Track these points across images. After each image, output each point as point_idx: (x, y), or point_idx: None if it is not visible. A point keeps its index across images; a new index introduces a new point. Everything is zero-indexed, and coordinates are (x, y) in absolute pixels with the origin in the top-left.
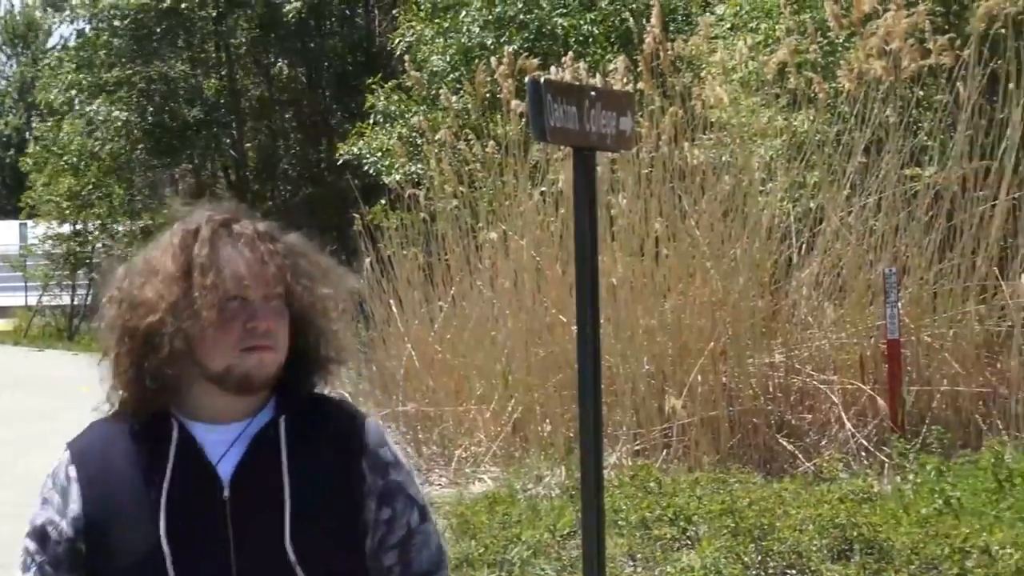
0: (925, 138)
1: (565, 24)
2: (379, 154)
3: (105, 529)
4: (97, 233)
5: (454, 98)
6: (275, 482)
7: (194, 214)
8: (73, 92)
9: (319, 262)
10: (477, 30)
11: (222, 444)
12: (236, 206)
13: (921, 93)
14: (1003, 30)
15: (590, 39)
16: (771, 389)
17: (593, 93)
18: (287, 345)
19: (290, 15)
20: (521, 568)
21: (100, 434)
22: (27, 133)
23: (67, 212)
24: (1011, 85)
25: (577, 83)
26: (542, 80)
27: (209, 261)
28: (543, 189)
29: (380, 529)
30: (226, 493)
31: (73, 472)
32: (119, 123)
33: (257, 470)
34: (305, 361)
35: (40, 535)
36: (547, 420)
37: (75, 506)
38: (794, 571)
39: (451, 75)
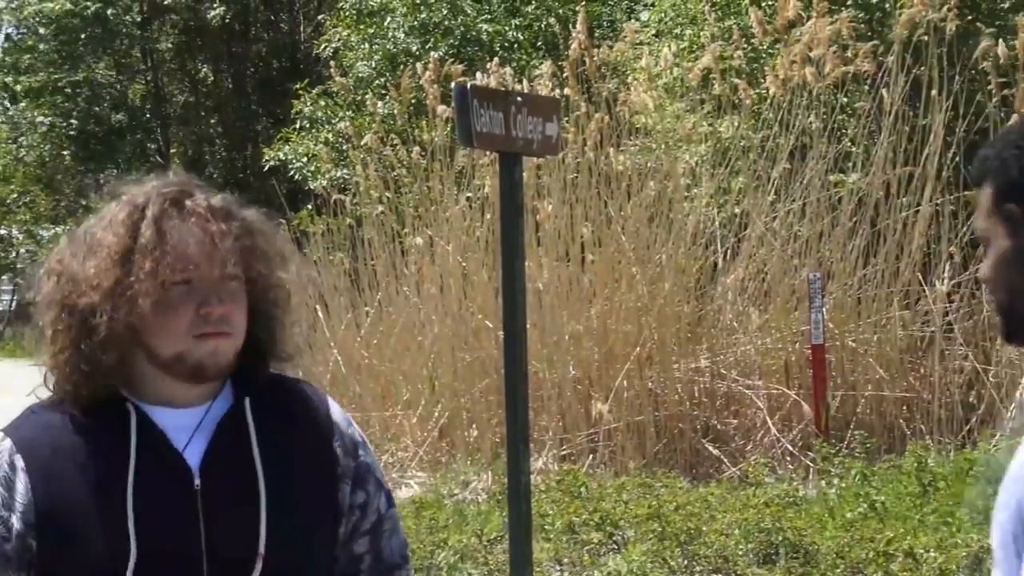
0: (849, 144)
1: (490, 30)
2: (305, 159)
3: (61, 524)
4: (22, 238)
5: (379, 104)
6: (247, 469)
7: (144, 185)
8: None
9: (278, 245)
10: (402, 36)
11: (185, 430)
12: (189, 178)
13: (845, 100)
14: (925, 37)
15: (515, 45)
16: (697, 394)
17: (519, 99)
18: (244, 326)
19: (214, 21)
20: (448, 573)
21: (44, 421)
22: None
23: None
24: (933, 92)
25: (503, 89)
26: (469, 85)
27: (154, 243)
28: (469, 195)
29: (354, 515)
30: (198, 482)
31: (20, 462)
32: (44, 128)
33: (227, 457)
34: (260, 349)
35: None
36: (473, 425)
37: (23, 499)
38: (720, 575)
39: (377, 81)
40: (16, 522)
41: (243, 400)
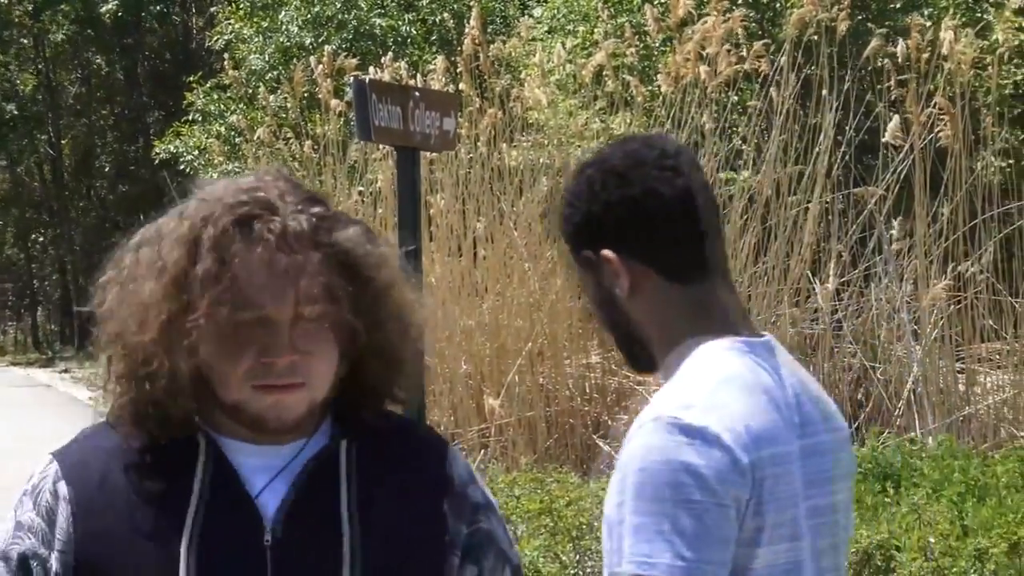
0: (740, 143)
1: (384, 24)
2: (196, 152)
3: (103, 568)
4: None
5: (272, 97)
6: (332, 527)
7: (220, 188)
8: None
9: (387, 272)
10: (296, 29)
11: (264, 471)
12: (280, 181)
13: (736, 98)
14: (815, 37)
15: (409, 40)
16: (588, 390)
17: (417, 94)
18: (330, 375)
19: (107, 16)
20: None
21: (97, 447)
22: None
23: None
24: (824, 91)
25: (402, 84)
26: (367, 80)
27: (212, 273)
28: (361, 188)
29: None
30: (268, 537)
31: (64, 490)
32: None
33: (310, 510)
34: (364, 388)
35: (21, 568)
36: None
37: (63, 535)
38: None
39: (270, 74)
40: (55, 563)
41: (339, 442)
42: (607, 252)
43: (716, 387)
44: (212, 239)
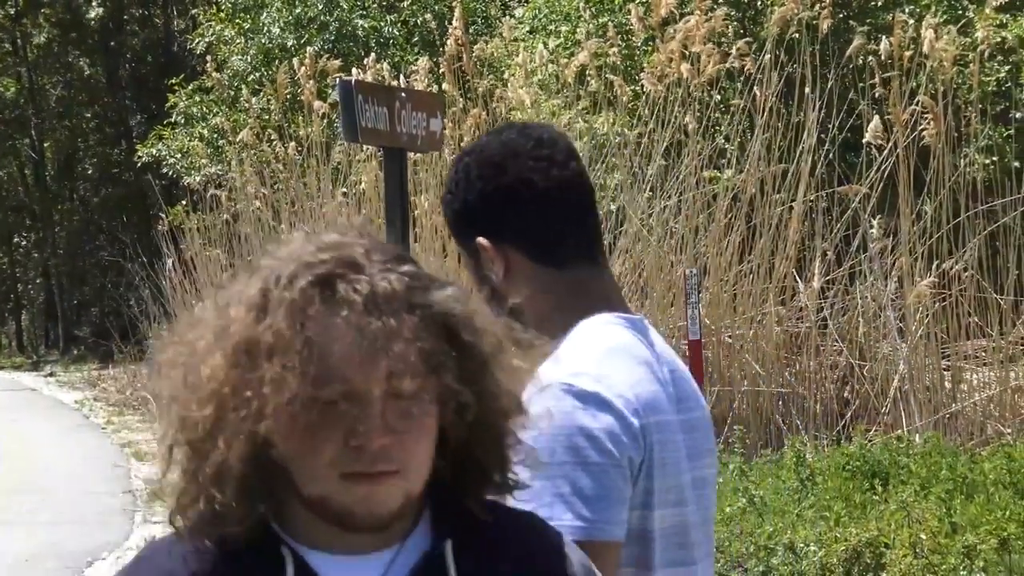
0: (723, 141)
1: (366, 26)
2: (179, 155)
3: None
4: None
5: (254, 99)
6: None
7: (298, 244)
8: None
9: (491, 331)
10: (278, 31)
11: None
12: (366, 235)
13: (719, 97)
14: (798, 35)
15: (391, 41)
16: None
17: (403, 94)
18: (428, 460)
19: (92, 23)
20: None
21: (167, 567)
22: None
23: None
24: (807, 89)
25: (388, 84)
26: (354, 81)
27: (286, 342)
28: (345, 190)
29: None
30: None
31: None
32: None
33: None
34: (466, 475)
35: None
36: None
37: None
38: None
39: (252, 75)
40: None
41: (443, 545)
42: (482, 239)
43: (604, 356)
44: (287, 301)
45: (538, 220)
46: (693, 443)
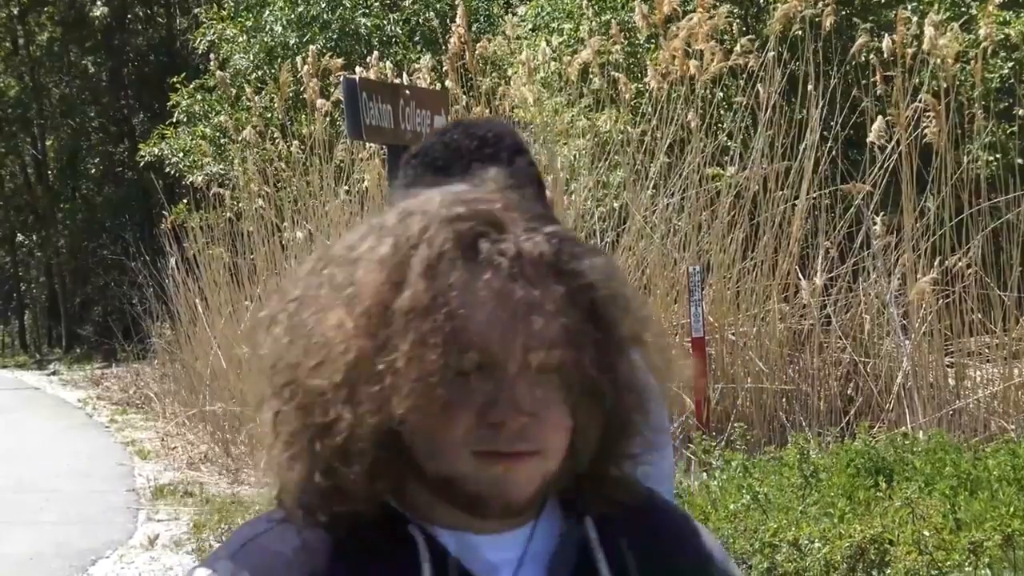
0: (727, 139)
1: (368, 24)
2: (182, 154)
3: None
4: None
5: (257, 97)
6: None
7: (434, 196)
8: None
9: (633, 313)
10: (280, 29)
11: (501, 568)
12: (506, 192)
13: (721, 94)
14: (800, 32)
15: (394, 39)
16: None
17: (408, 92)
18: (564, 442)
19: (96, 22)
20: None
21: (280, 547)
22: None
23: None
24: (810, 86)
25: (392, 82)
26: (358, 79)
27: (423, 305)
28: (347, 188)
29: None
30: None
31: None
32: None
33: None
34: (601, 455)
35: None
36: None
37: None
38: None
39: (255, 74)
40: None
41: (582, 521)
42: None
43: None
44: (424, 261)
45: None
46: None
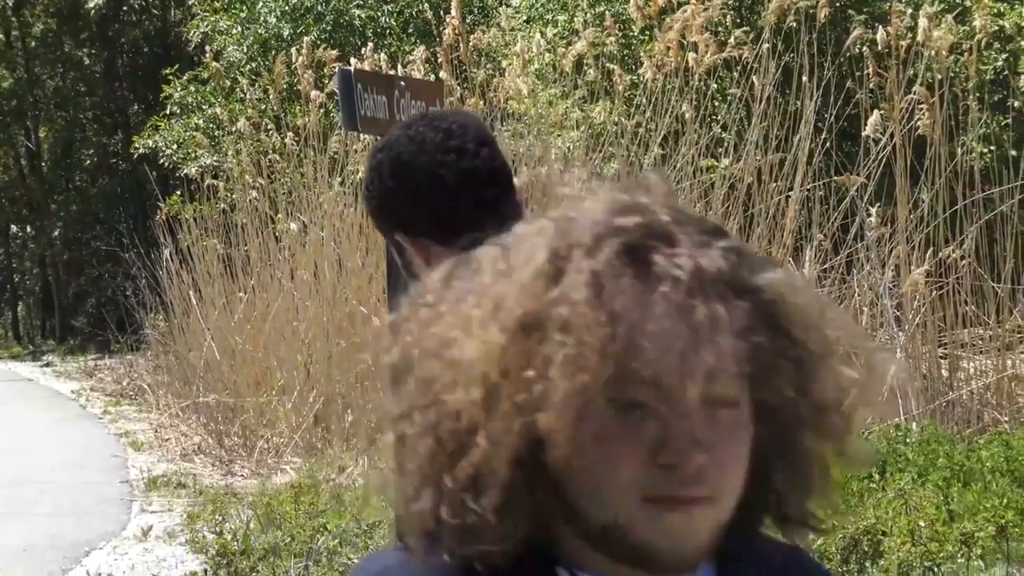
0: (721, 130)
1: (363, 16)
2: (175, 147)
3: None
4: None
5: (251, 89)
6: None
7: (597, 201)
8: None
9: (821, 328)
10: (274, 20)
11: None
12: (670, 198)
13: (715, 86)
14: (795, 24)
15: (388, 31)
16: None
17: (403, 83)
18: (741, 484)
19: (92, 13)
20: (328, 558)
21: None
22: None
23: None
24: (804, 78)
25: (387, 73)
26: (353, 70)
27: (583, 317)
28: (341, 179)
29: None
30: None
31: None
32: None
33: None
34: (766, 502)
35: None
36: (349, 411)
37: None
38: None
39: (248, 65)
40: None
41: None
42: (399, 235)
43: None
44: (589, 272)
45: (451, 213)
46: None
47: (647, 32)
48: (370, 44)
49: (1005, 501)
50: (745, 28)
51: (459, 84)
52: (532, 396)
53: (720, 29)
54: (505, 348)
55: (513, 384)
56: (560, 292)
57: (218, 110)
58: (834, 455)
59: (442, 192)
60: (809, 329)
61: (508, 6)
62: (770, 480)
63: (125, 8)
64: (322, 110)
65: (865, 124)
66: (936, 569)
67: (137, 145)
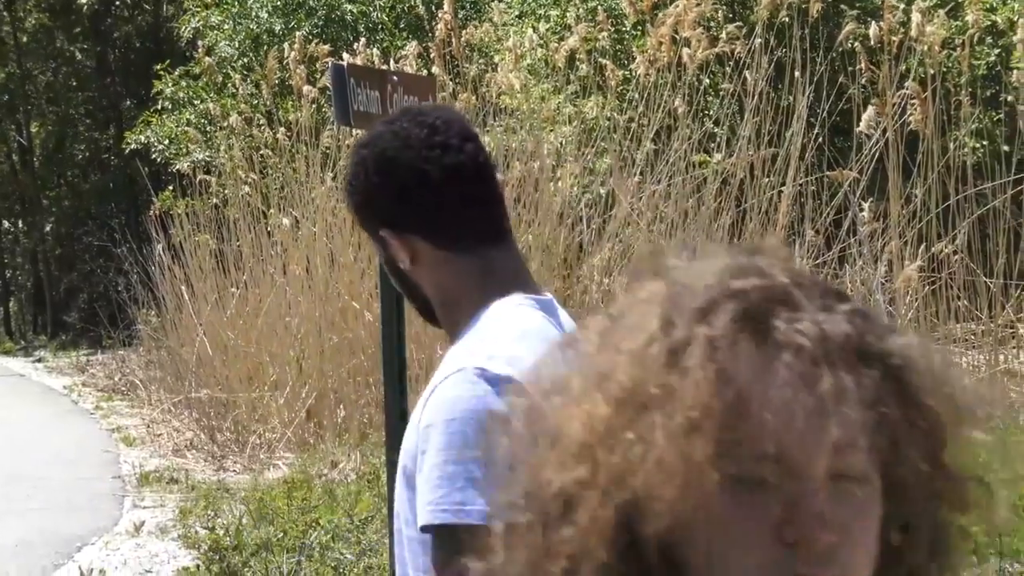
0: (713, 125)
1: (354, 11)
2: (167, 142)
3: None
4: None
5: (242, 84)
6: None
7: (710, 264)
8: None
9: (953, 397)
10: (265, 16)
11: None
12: (785, 263)
13: (708, 81)
14: (787, 19)
15: (380, 26)
16: None
17: (396, 78)
18: (870, 564)
19: (84, 7)
20: (321, 552)
21: None
22: None
23: None
24: (796, 73)
25: (380, 68)
26: (346, 64)
27: (698, 389)
28: (333, 175)
29: None
30: None
31: None
32: None
33: None
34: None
35: None
36: (341, 406)
37: None
38: None
39: (240, 61)
40: None
41: None
42: (384, 232)
43: (515, 339)
44: (706, 341)
45: (438, 209)
46: None
47: (639, 27)
48: (362, 39)
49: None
50: (737, 23)
51: (451, 79)
52: (639, 473)
53: (712, 24)
54: (610, 420)
55: (618, 459)
56: (673, 360)
57: (210, 105)
58: (978, 525)
59: (428, 187)
60: (939, 396)
61: (500, 1)
62: (903, 557)
63: (117, 3)
64: (314, 105)
65: (858, 120)
66: None
67: (129, 141)
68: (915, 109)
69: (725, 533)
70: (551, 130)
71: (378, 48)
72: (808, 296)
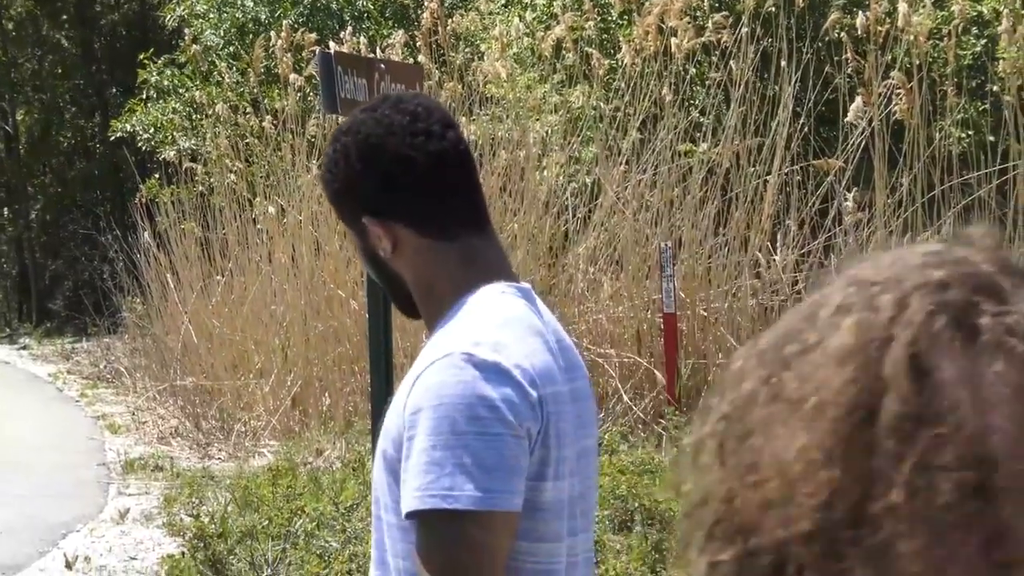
0: (699, 115)
1: None
2: (152, 130)
3: None
4: None
5: (228, 72)
6: None
7: (902, 254)
8: None
9: None
10: (251, 4)
11: None
12: (988, 249)
13: (694, 70)
14: (774, 8)
15: (365, 14)
16: None
17: (383, 66)
18: None
19: None
20: (306, 540)
21: None
22: None
23: None
24: (782, 63)
25: (367, 56)
26: (333, 52)
27: (924, 405)
28: (320, 163)
29: None
30: None
31: None
32: None
33: None
34: None
35: None
36: (326, 394)
37: None
38: None
39: (226, 50)
40: None
41: None
42: (366, 219)
43: (501, 326)
44: (907, 347)
45: (421, 196)
46: (580, 413)
47: (626, 16)
48: (348, 28)
49: None
50: (724, 13)
51: (437, 68)
52: (881, 526)
53: (699, 14)
54: (828, 463)
55: (852, 511)
56: (877, 379)
57: (196, 94)
58: None
59: (413, 175)
60: None
61: None
62: None
63: None
64: (300, 94)
65: (844, 109)
66: None
67: (115, 128)
68: (901, 99)
69: (928, 545)
70: (537, 119)
71: (364, 36)
72: (1018, 286)
